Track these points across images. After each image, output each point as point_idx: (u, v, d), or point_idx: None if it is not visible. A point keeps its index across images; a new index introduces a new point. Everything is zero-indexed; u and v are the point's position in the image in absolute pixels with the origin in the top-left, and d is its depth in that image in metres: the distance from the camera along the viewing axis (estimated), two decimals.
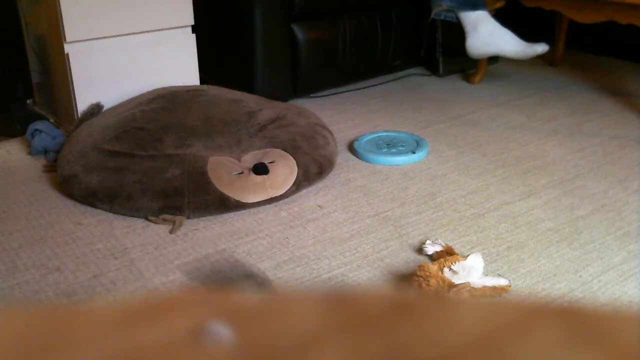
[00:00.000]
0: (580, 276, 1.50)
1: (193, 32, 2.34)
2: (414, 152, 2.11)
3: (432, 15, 2.74)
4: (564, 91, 2.83)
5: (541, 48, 2.61)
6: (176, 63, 2.33)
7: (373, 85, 2.85)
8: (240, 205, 1.75)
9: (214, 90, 2.20)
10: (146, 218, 1.72)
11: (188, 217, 1.72)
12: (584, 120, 2.50)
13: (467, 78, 2.96)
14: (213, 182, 1.73)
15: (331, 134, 2.08)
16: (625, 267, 1.53)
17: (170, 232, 1.66)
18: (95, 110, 2.13)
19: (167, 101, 2.08)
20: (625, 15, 2.34)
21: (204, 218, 1.73)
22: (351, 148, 2.18)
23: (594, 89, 2.87)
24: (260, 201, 1.77)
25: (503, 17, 2.71)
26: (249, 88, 2.43)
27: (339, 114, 2.51)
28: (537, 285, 1.46)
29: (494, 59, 2.95)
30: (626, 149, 2.22)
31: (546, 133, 2.31)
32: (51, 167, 2.00)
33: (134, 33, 2.21)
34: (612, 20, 2.39)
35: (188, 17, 2.30)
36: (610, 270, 1.52)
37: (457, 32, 2.71)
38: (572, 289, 1.45)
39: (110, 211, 1.76)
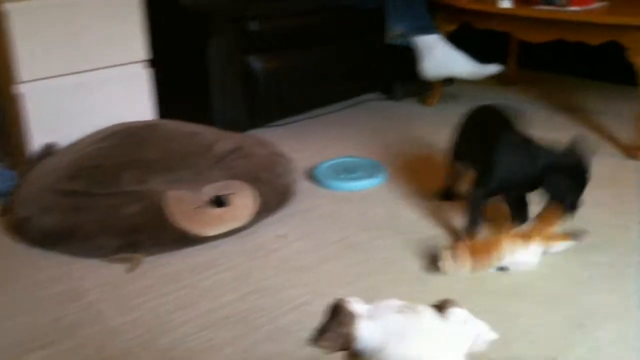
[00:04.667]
0: (545, 290, 1.51)
1: (148, 66, 2.33)
2: (373, 177, 2.12)
3: (387, 41, 2.78)
4: (519, 109, 2.87)
5: (494, 68, 2.65)
6: (131, 99, 2.32)
7: (331, 112, 2.87)
8: (200, 239, 1.73)
9: (170, 124, 2.18)
10: (103, 258, 1.68)
11: (148, 254, 1.69)
12: (541, 136, 2.53)
13: (424, 101, 2.99)
14: (172, 217, 1.70)
15: (290, 162, 2.08)
16: (587, 279, 1.55)
17: (128, 271, 1.63)
18: (49, 150, 2.10)
19: (123, 137, 2.06)
20: (573, 33, 2.39)
21: (164, 254, 1.70)
22: (311, 175, 2.17)
23: (546, 106, 2.92)
24: (221, 234, 1.75)
25: (456, 40, 2.75)
26: (206, 120, 2.41)
27: (297, 142, 2.51)
28: (502, 302, 1.46)
29: (448, 81, 2.99)
30: None
31: None
32: (5, 211, 1.95)
33: (88, 70, 2.19)
34: (561, 39, 2.45)
35: (142, 52, 2.29)
36: (573, 284, 1.53)
37: (412, 57, 2.74)
38: (537, 303, 1.46)
39: (67, 253, 1.72)
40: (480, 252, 1.57)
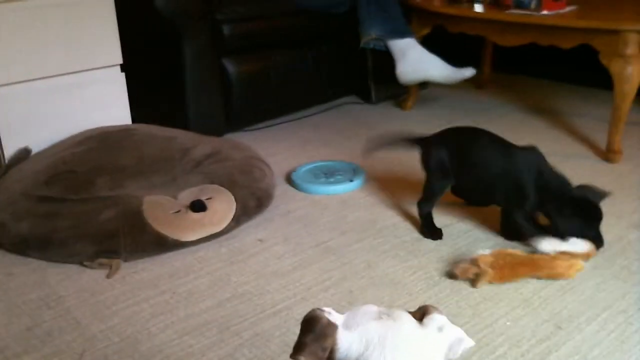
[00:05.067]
0: (521, 293, 1.52)
1: (122, 70, 2.31)
2: (351, 180, 2.12)
3: (362, 44, 2.78)
4: (493, 112, 2.91)
5: (468, 72, 2.67)
6: (106, 103, 2.29)
7: (308, 116, 2.87)
8: (178, 244, 1.71)
9: (145, 128, 2.17)
10: (81, 264, 1.66)
11: (125, 260, 1.67)
12: (515, 139, 2.54)
13: (399, 104, 3.00)
14: (149, 222, 1.69)
15: (268, 166, 2.07)
16: (564, 282, 1.56)
17: (107, 276, 1.61)
18: (23, 155, 2.07)
19: (97, 142, 2.03)
20: (546, 37, 2.42)
21: (142, 260, 1.69)
22: (289, 179, 2.17)
23: (521, 109, 2.96)
24: (200, 239, 1.74)
25: (430, 43, 2.77)
26: (183, 124, 2.40)
27: (275, 146, 2.50)
28: (480, 305, 1.47)
29: (424, 85, 3.01)
30: (558, 165, 2.28)
31: None
32: None
33: (61, 74, 2.16)
34: (534, 42, 2.47)
35: (116, 56, 2.27)
36: (550, 286, 1.55)
37: (387, 60, 2.75)
38: (514, 306, 1.47)
39: (43, 259, 1.69)
40: (506, 267, 1.56)
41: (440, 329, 0.94)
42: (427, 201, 1.81)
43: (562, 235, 1.64)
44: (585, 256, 1.63)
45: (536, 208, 1.70)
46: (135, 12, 2.45)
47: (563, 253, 1.60)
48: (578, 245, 1.62)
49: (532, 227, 1.70)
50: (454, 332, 0.96)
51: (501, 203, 1.76)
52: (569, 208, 1.64)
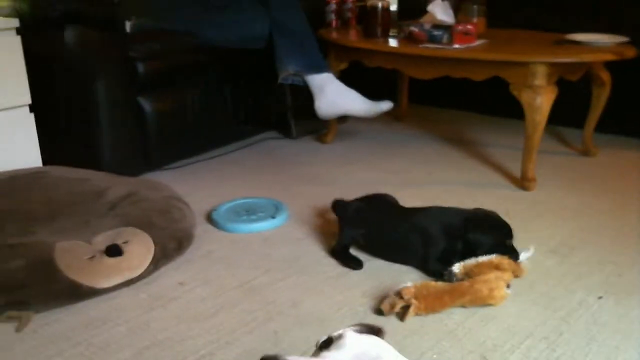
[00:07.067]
0: (445, 325, 1.52)
1: (31, 111, 2.22)
2: (273, 217, 2.09)
3: (280, 80, 2.78)
4: (411, 144, 2.96)
5: (386, 105, 2.71)
6: (14, 145, 2.19)
7: (228, 153, 2.83)
8: (94, 292, 1.63)
9: (57, 171, 2.08)
10: None
11: (37, 312, 1.58)
12: (434, 170, 2.61)
13: (320, 138, 3.01)
14: (62, 270, 1.60)
15: (187, 206, 2.02)
16: (487, 311, 1.58)
17: (17, 330, 1.51)
18: None
19: (6, 186, 1.94)
20: (458, 70, 2.49)
21: (55, 310, 1.60)
22: (210, 218, 2.12)
23: (438, 140, 3.02)
24: (116, 285, 1.66)
25: (348, 78, 2.80)
26: (97, 165, 2.32)
27: (194, 185, 2.45)
28: (406, 340, 1.46)
29: (343, 119, 3.03)
30: (475, 195, 2.33)
31: (400, 185, 2.37)
32: None
33: None
34: (447, 75, 2.54)
35: (24, 96, 2.18)
36: (474, 316, 1.56)
37: (306, 95, 2.76)
38: (440, 338, 1.47)
39: None
40: (430, 297, 1.57)
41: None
42: (340, 244, 1.88)
43: (477, 252, 1.70)
44: (503, 271, 1.64)
45: (449, 251, 1.75)
46: (45, 50, 2.37)
47: (475, 266, 1.65)
48: (484, 258, 1.68)
49: (445, 267, 1.71)
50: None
51: (413, 260, 1.81)
52: (479, 226, 1.74)
